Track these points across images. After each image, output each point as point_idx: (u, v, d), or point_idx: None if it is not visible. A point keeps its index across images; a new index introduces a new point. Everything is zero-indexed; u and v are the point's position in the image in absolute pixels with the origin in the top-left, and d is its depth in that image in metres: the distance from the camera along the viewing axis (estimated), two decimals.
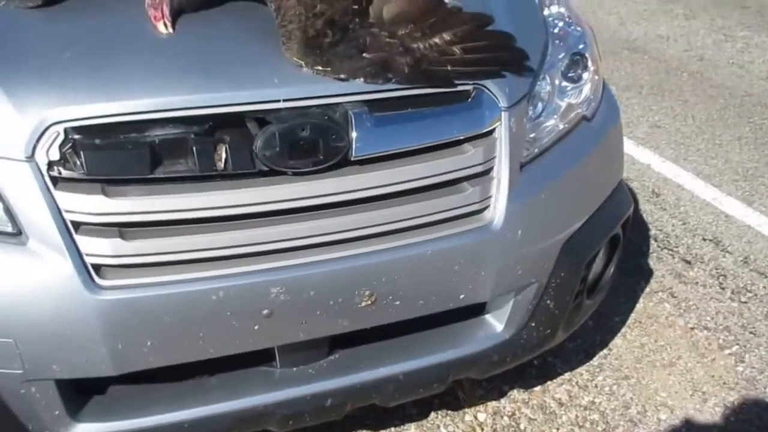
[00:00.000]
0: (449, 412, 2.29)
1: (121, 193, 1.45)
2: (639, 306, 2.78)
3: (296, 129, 1.50)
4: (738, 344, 2.62)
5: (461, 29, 1.59)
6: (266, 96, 1.51)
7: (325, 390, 1.73)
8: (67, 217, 1.43)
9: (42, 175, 1.42)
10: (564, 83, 1.94)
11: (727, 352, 2.59)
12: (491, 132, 1.70)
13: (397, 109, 1.61)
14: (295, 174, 1.53)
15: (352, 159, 1.56)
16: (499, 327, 1.89)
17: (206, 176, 1.49)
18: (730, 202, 3.43)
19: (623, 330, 2.67)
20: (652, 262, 3.01)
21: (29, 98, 1.43)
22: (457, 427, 2.25)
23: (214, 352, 1.59)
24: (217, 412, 1.65)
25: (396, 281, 1.65)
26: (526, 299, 1.87)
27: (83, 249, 1.44)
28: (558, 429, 2.28)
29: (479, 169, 1.69)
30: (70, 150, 1.42)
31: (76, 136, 1.42)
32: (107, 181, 1.45)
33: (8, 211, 1.44)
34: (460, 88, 1.65)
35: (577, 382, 2.45)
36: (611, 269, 2.16)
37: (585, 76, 1.98)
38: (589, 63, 2.00)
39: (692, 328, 2.69)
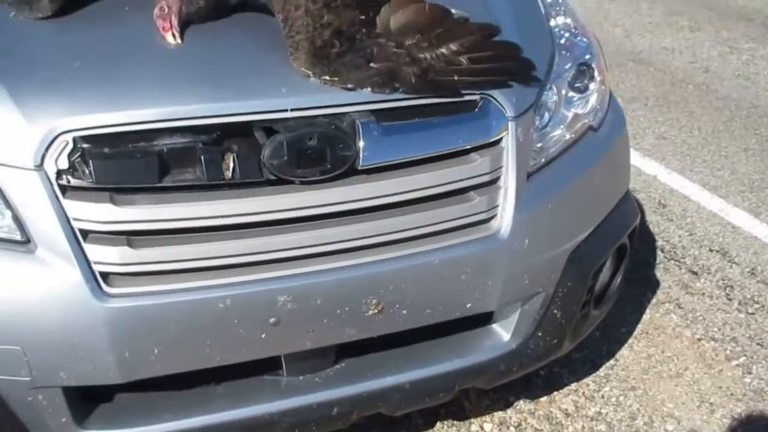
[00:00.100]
0: (455, 422, 2.28)
1: (129, 201, 1.45)
2: (646, 317, 2.77)
3: (304, 138, 1.51)
4: (745, 355, 2.61)
5: (468, 39, 1.60)
6: (274, 105, 1.52)
7: (331, 399, 1.72)
8: (76, 225, 1.44)
9: (51, 184, 1.43)
10: (570, 93, 1.94)
11: (734, 363, 2.58)
12: (498, 141, 1.70)
13: (405, 118, 1.62)
14: (302, 183, 1.54)
15: (360, 168, 1.57)
16: (505, 336, 1.89)
17: (214, 185, 1.49)
18: (737, 213, 3.43)
19: (630, 341, 2.66)
20: (658, 273, 3.00)
21: (39, 107, 1.44)
22: None
23: (221, 360, 1.60)
24: (223, 421, 1.65)
25: (403, 290, 1.65)
26: (533, 309, 1.87)
27: (91, 257, 1.45)
28: None
29: (486, 178, 1.69)
30: (78, 159, 1.43)
31: (85, 145, 1.43)
32: (115, 189, 1.46)
33: (17, 219, 1.44)
34: (467, 97, 1.66)
35: (583, 393, 2.45)
36: (618, 279, 2.15)
37: (591, 86, 1.98)
38: (596, 73, 2.00)
39: (699, 339, 2.68)
